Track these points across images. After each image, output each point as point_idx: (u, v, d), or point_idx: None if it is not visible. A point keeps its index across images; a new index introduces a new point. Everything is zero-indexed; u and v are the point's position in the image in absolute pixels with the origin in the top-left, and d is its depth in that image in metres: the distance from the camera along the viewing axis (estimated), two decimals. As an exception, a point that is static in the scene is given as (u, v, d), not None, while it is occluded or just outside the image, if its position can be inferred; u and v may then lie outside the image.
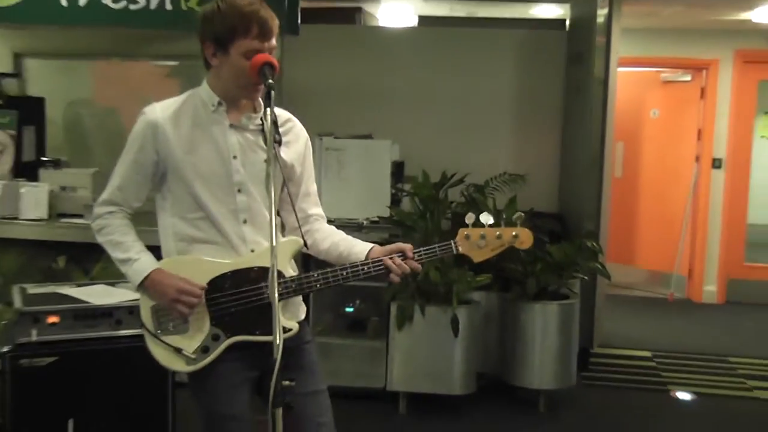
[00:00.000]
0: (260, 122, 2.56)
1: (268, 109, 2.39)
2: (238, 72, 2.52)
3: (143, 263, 2.59)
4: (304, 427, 2.64)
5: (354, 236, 2.81)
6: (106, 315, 3.61)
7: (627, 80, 7.88)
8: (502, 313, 5.37)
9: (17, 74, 6.59)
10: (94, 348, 3.53)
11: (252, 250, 2.61)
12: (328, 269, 2.62)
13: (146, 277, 2.56)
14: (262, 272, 2.55)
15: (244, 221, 2.61)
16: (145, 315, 2.63)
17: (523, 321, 5.17)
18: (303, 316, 2.76)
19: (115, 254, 2.63)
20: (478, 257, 2.69)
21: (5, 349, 3.46)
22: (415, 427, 4.93)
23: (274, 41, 2.54)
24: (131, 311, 3.58)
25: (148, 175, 2.62)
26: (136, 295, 3.00)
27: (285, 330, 2.47)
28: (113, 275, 4.15)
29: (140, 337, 2.79)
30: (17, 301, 3.66)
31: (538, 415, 5.16)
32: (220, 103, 2.60)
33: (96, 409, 3.53)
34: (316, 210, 2.82)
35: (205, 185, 2.57)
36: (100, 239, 2.67)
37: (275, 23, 2.54)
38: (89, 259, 5.07)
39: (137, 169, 2.61)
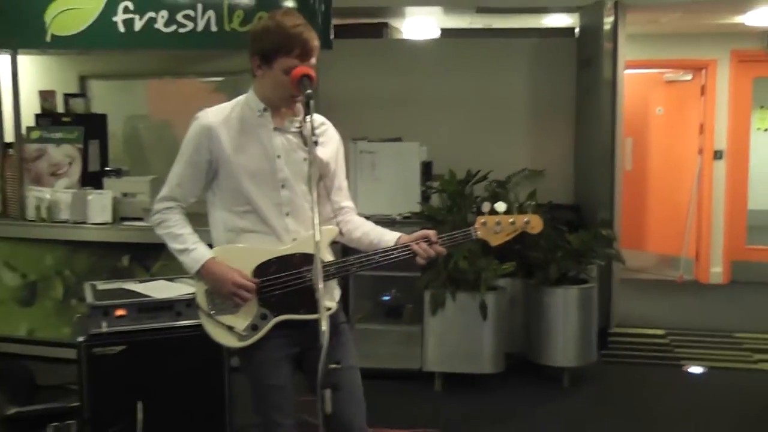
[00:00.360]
0: (300, 125, 2.63)
1: (308, 117, 2.47)
2: (278, 85, 2.57)
3: (199, 253, 2.62)
4: (340, 398, 2.63)
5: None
6: (167, 307, 3.61)
7: (633, 81, 7.76)
8: (527, 298, 5.31)
9: (83, 94, 6.63)
10: (157, 337, 3.53)
11: (294, 239, 2.64)
12: (362, 254, 2.68)
13: (202, 266, 2.60)
14: (304, 258, 2.59)
15: (287, 213, 2.64)
16: (201, 298, 2.66)
17: (546, 304, 5.11)
18: (338, 298, 2.78)
19: (173, 245, 2.66)
20: (494, 241, 2.73)
21: (80, 339, 3.47)
22: (449, 403, 4.89)
23: (314, 60, 2.58)
24: (189, 303, 3.56)
25: (203, 173, 2.64)
26: (193, 289, 3.03)
27: (326, 309, 2.45)
28: (172, 271, 4.16)
29: (198, 326, 2.82)
30: (89, 297, 3.67)
31: (563, 390, 5.10)
32: (265, 109, 2.63)
33: (161, 391, 3.52)
34: (348, 203, 2.86)
35: (252, 181, 2.60)
36: (159, 232, 2.70)
37: (316, 44, 2.58)
38: (150, 257, 5.09)
39: (193, 167, 2.65)
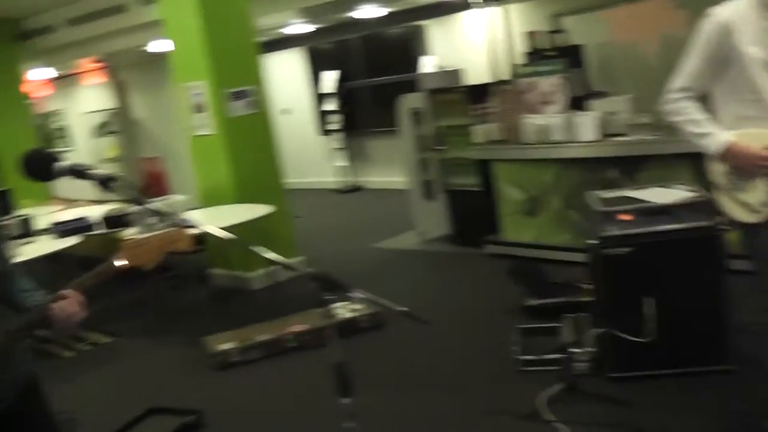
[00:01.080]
0: None
1: None
2: None
3: (721, 136, 2.57)
4: None
5: None
6: (667, 212, 3.45)
7: None
8: None
9: (561, 30, 6.69)
10: (660, 239, 3.38)
11: None
12: None
13: (725, 147, 2.55)
14: None
15: None
16: (719, 176, 2.65)
17: None
18: None
19: (692, 129, 2.65)
20: None
21: (593, 241, 3.50)
22: None
23: None
24: (688, 207, 3.38)
25: (714, 66, 2.58)
26: (691, 195, 3.08)
27: None
28: (658, 180, 4.01)
29: (698, 229, 2.98)
30: (595, 204, 3.64)
31: None
32: None
33: (664, 289, 3.39)
34: None
35: (762, 72, 2.48)
36: (674, 118, 2.69)
37: None
38: (635, 169, 4.97)
39: (706, 61, 2.60)
